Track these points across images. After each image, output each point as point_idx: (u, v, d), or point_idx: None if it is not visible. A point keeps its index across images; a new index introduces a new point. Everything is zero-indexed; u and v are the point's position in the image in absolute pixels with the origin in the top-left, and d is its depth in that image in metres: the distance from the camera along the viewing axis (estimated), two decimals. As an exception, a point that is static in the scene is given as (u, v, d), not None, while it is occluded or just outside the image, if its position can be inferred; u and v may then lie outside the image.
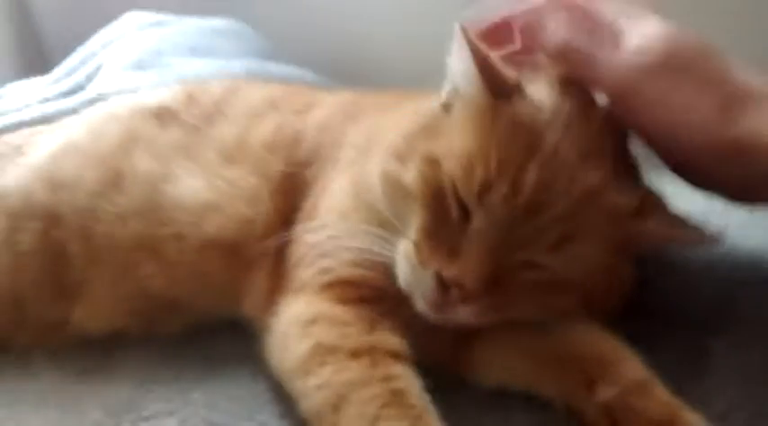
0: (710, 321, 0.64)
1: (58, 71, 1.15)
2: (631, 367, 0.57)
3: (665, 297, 0.67)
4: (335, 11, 1.26)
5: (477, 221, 0.56)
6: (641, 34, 0.59)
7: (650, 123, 0.59)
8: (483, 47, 0.60)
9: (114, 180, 0.73)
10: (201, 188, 0.72)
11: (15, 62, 1.38)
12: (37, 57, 1.42)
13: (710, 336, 0.63)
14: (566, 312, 0.60)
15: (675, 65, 0.58)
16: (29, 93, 1.09)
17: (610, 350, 0.58)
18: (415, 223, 0.60)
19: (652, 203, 0.59)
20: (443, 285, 0.56)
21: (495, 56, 0.61)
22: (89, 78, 1.09)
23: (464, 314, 0.57)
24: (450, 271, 0.56)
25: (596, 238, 0.57)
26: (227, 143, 0.75)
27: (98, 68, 1.10)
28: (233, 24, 1.22)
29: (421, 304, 0.59)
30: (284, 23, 1.29)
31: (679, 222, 0.58)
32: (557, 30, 0.62)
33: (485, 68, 0.59)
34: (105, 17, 1.21)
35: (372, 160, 0.65)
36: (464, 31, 0.60)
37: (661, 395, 0.55)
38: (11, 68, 1.36)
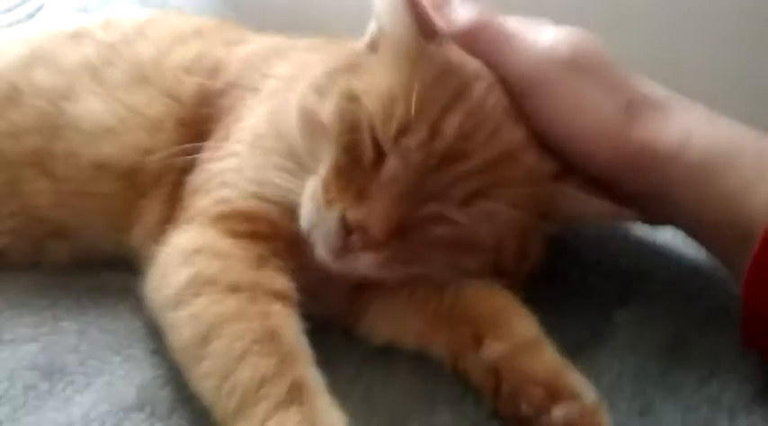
0: (621, 293, 0.62)
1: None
2: (522, 325, 0.54)
3: (580, 266, 0.64)
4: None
5: (391, 164, 0.53)
6: (550, 34, 0.58)
7: (557, 119, 0.56)
8: None
9: (11, 95, 0.69)
10: (102, 111, 0.67)
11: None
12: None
13: (618, 307, 0.60)
14: (473, 274, 0.57)
15: (583, 65, 0.57)
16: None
17: (502, 308, 0.55)
18: (326, 161, 0.56)
19: (570, 173, 0.56)
20: (347, 228, 0.53)
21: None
22: (29, 17, 1.04)
23: (365, 263, 0.53)
24: (354, 214, 0.52)
25: (511, 198, 0.54)
26: (142, 62, 0.70)
27: (39, 9, 1.06)
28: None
29: (321, 249, 0.54)
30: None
31: (595, 193, 0.55)
32: (467, 10, 0.59)
33: (415, 6, 0.56)
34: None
35: (294, 93, 0.61)
36: None
37: (549, 356, 0.52)
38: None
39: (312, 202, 0.55)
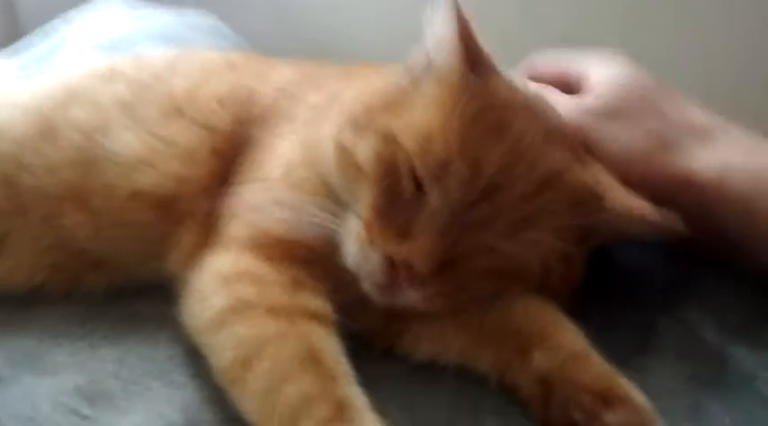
0: (661, 300, 0.62)
1: (17, 45, 1.12)
2: (569, 337, 0.54)
3: (620, 277, 0.65)
4: (312, 10, 1.25)
5: (433, 200, 0.53)
6: (597, 78, 0.64)
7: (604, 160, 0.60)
8: (467, 18, 0.57)
9: (47, 131, 0.69)
10: (135, 144, 0.68)
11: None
12: (11, 31, 1.40)
13: (660, 314, 0.61)
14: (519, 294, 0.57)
15: (622, 107, 0.62)
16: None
17: (548, 322, 0.55)
18: (365, 200, 0.56)
19: (614, 186, 0.57)
20: (392, 266, 0.53)
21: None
22: (52, 52, 1.06)
23: (412, 298, 0.54)
24: (399, 252, 0.52)
25: (555, 224, 0.54)
26: (174, 95, 0.70)
27: (62, 43, 1.08)
28: (208, 20, 1.20)
29: (367, 285, 0.55)
30: (261, 23, 1.29)
31: (640, 205, 0.55)
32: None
33: (466, 38, 0.57)
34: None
35: (329, 124, 0.61)
36: None
37: (598, 366, 0.52)
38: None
39: (355, 243, 0.55)
